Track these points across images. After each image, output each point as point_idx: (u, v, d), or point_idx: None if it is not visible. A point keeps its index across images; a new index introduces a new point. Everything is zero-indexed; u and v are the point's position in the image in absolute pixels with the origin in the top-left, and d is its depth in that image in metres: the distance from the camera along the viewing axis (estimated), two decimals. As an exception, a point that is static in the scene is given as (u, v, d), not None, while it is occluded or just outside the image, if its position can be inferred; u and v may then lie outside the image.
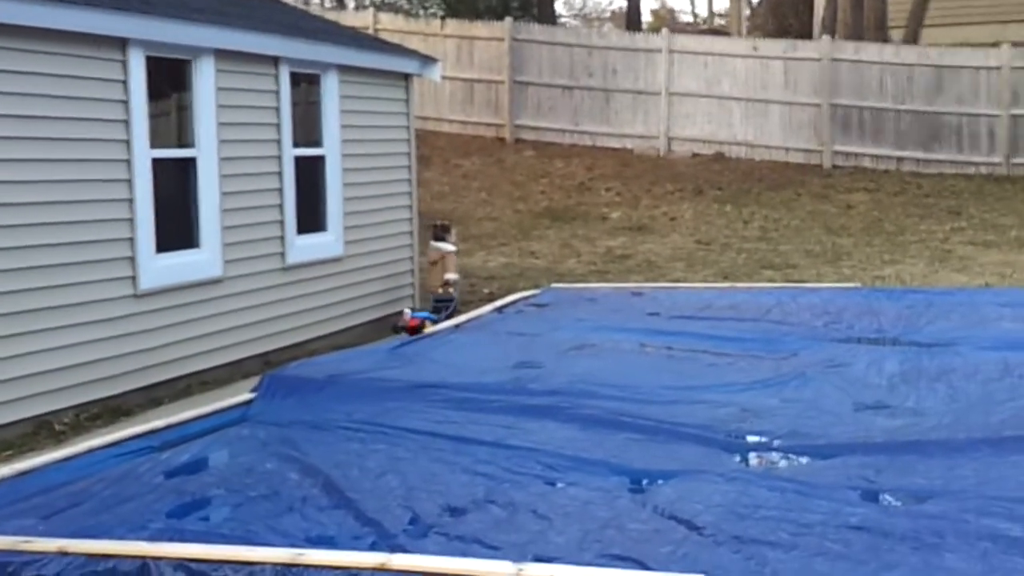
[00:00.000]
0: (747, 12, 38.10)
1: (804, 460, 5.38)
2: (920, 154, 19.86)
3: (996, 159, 19.45)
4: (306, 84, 10.08)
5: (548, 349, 8.02)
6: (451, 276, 10.81)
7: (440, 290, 10.79)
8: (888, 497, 4.76)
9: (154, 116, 8.18)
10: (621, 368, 7.42)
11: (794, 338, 8.31)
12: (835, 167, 19.99)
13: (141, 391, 7.80)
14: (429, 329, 9.14)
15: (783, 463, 5.44)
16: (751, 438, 5.81)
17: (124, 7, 7.86)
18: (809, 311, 9.33)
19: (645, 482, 4.99)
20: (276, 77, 9.42)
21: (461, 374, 7.09)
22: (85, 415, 7.22)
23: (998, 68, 19.58)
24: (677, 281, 12.88)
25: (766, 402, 6.46)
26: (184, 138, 8.64)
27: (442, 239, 11.16)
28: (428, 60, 11.97)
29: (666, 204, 18.38)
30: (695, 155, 20.75)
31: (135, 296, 7.85)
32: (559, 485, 4.91)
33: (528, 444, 5.56)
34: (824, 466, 5.20)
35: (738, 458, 5.51)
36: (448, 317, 10.21)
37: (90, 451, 5.56)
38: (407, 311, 9.81)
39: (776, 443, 5.63)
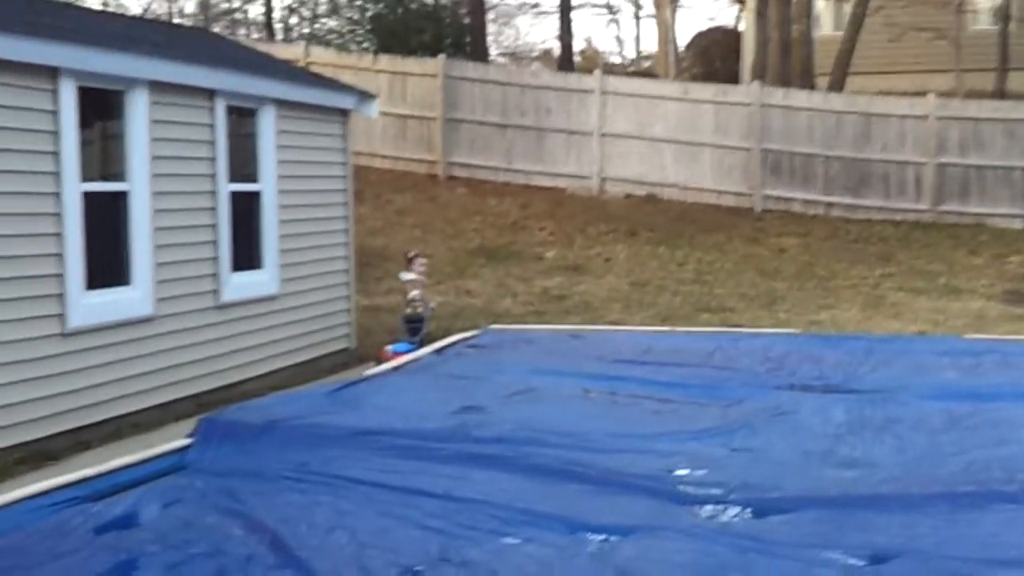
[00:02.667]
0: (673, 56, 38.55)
1: (759, 514, 5.29)
2: (849, 199, 20.14)
3: (923, 206, 19.79)
4: (242, 118, 9.86)
5: (490, 393, 7.87)
6: (412, 294, 11.16)
7: (408, 310, 11.14)
8: (849, 557, 4.67)
9: (85, 148, 7.92)
10: (566, 415, 7.30)
11: (737, 384, 8.26)
12: (765, 211, 20.18)
13: (68, 434, 7.48)
14: (390, 363, 9.11)
15: (738, 517, 5.33)
16: (703, 490, 5.72)
17: (56, 36, 7.60)
18: (750, 357, 9.31)
19: (602, 538, 4.85)
20: (211, 110, 9.19)
21: (403, 420, 6.91)
22: (9, 459, 6.89)
23: (924, 117, 19.96)
24: (615, 323, 12.83)
25: (714, 452, 6.38)
26: (116, 171, 8.36)
27: (408, 269, 11.59)
28: (366, 96, 11.82)
29: (600, 244, 18.37)
30: (628, 196, 20.81)
31: (63, 335, 7.54)
32: (514, 541, 4.75)
33: (478, 496, 5.40)
34: (781, 521, 5.11)
35: (692, 512, 5.40)
36: (421, 340, 10.42)
37: (18, 501, 5.27)
38: (388, 348, 9.92)
39: (730, 496, 5.53)
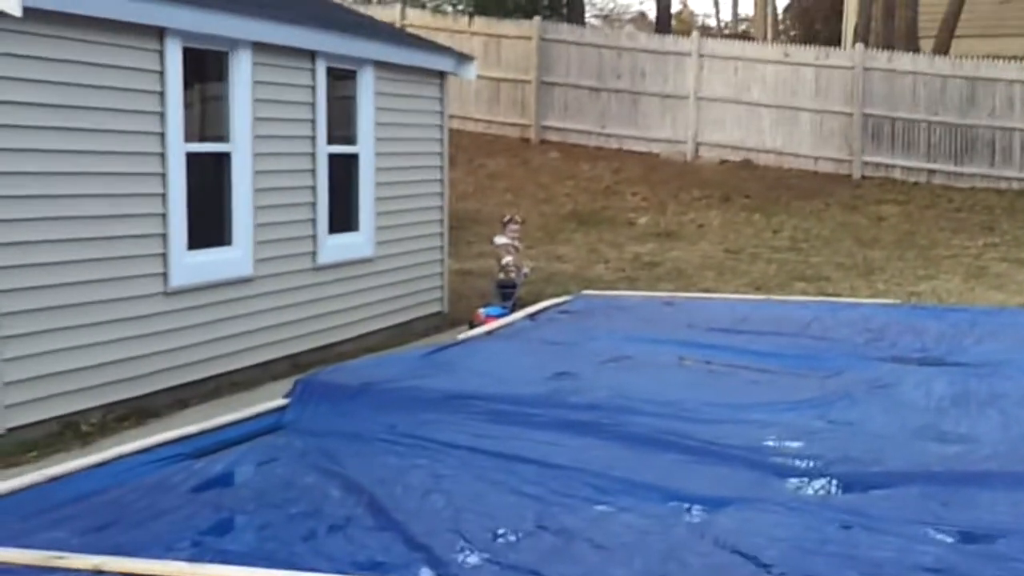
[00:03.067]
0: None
1: (860, 489, 5.18)
2: (952, 167, 19.61)
3: (1029, 175, 19.20)
4: (341, 79, 9.88)
5: (584, 360, 7.83)
6: (505, 259, 11.02)
7: (501, 275, 11.03)
8: (956, 534, 4.55)
9: (189, 109, 8.01)
10: (661, 382, 7.24)
11: (836, 355, 8.11)
12: (864, 178, 19.75)
13: (168, 392, 7.62)
14: (483, 327, 9.13)
15: (839, 491, 5.23)
16: (802, 463, 5.62)
17: (162, -3, 7.68)
18: (849, 327, 9.13)
19: (699, 509, 4.79)
20: (313, 72, 9.23)
21: (498, 384, 6.90)
22: (112, 416, 7.04)
23: (1034, 82, 19.33)
24: (708, 290, 12.68)
25: (813, 423, 6.27)
26: (218, 132, 8.46)
27: (502, 233, 11.48)
28: (464, 58, 11.77)
29: (694, 210, 18.15)
30: (723, 161, 20.52)
31: (165, 294, 7.68)
32: (610, 510, 4.72)
33: (574, 463, 5.37)
34: (883, 496, 5.00)
35: (790, 484, 5.31)
36: (513, 305, 10.37)
37: (121, 457, 5.39)
38: (481, 311, 9.89)
39: (829, 469, 5.43)
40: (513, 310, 10.21)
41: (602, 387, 6.95)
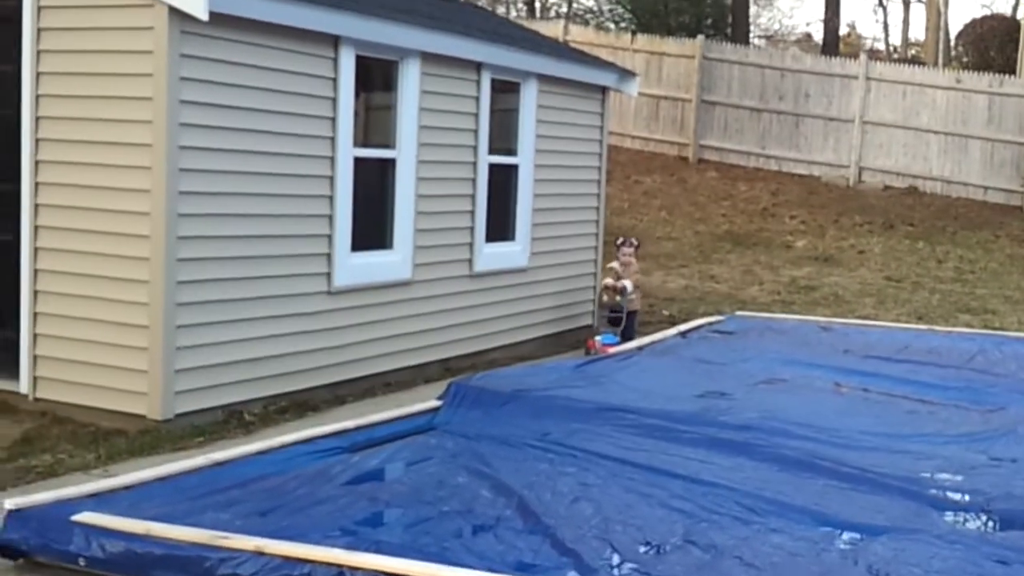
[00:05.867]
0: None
1: (1021, 526, 5.01)
2: None
3: None
4: (505, 91, 10.01)
5: (736, 380, 7.78)
6: (607, 281, 10.28)
7: (605, 297, 10.35)
8: None
9: (358, 115, 8.22)
10: (815, 407, 7.14)
11: (1001, 390, 7.86)
12: (1037, 210, 19.02)
13: (326, 388, 7.83)
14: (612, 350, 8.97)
15: (1000, 529, 5.07)
16: (961, 496, 5.47)
17: (339, 5, 7.92)
18: (1016, 362, 8.84)
19: (853, 536, 4.71)
20: (478, 83, 9.38)
21: (648, 399, 6.92)
22: (273, 407, 7.28)
23: None
24: (867, 318, 12.38)
25: (973, 458, 6.10)
26: (385, 139, 8.67)
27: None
28: (626, 74, 11.78)
29: (854, 236, 17.75)
30: (887, 187, 20.03)
31: (328, 293, 7.89)
32: (760, 530, 4.68)
33: (724, 481, 5.36)
34: (1047, 537, 4.83)
35: (948, 517, 5.18)
36: (624, 332, 9.76)
37: (284, 447, 5.60)
38: (597, 338, 9.66)
39: (990, 505, 5.27)
40: (624, 337, 9.78)
41: (754, 408, 6.90)
